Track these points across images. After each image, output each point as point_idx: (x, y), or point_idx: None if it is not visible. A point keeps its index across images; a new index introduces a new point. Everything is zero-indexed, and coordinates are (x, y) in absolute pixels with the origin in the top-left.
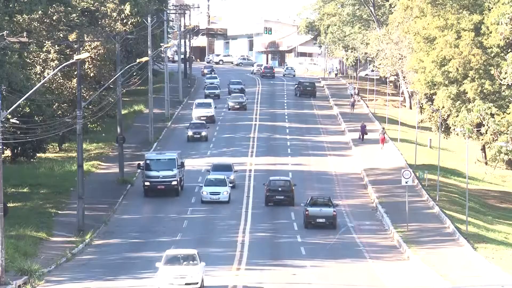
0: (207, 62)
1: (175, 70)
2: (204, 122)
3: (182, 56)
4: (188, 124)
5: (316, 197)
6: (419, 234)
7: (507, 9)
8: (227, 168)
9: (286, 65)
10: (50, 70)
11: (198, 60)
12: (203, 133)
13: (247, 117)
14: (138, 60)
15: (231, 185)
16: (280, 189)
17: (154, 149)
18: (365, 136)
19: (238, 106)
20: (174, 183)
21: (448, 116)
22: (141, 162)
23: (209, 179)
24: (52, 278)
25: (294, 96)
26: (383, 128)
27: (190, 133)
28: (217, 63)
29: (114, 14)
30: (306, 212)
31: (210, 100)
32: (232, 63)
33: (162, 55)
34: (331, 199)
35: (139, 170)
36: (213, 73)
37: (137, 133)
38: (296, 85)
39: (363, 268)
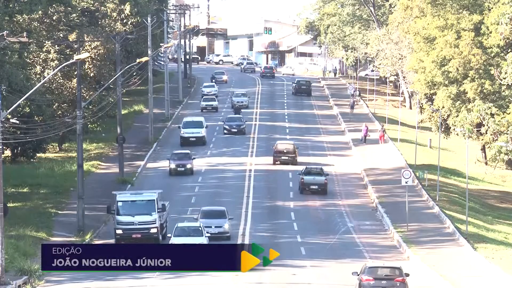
0: (207, 62)
1: (175, 70)
2: (188, 152)
3: (183, 56)
4: (170, 155)
5: (310, 167)
6: (419, 234)
7: (507, 9)
8: (219, 214)
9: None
10: (50, 70)
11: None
12: (188, 166)
13: (247, 116)
14: (138, 60)
15: (226, 235)
16: (285, 151)
17: (154, 150)
18: (367, 138)
19: (235, 130)
20: (153, 230)
21: (448, 116)
22: (114, 203)
23: (180, 227)
24: (52, 278)
25: (294, 96)
26: (383, 126)
27: (172, 165)
28: (217, 63)
29: (114, 14)
30: (302, 180)
31: (200, 118)
32: (232, 63)
33: (162, 56)
34: (323, 169)
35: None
36: (213, 80)
37: (137, 133)
38: (294, 84)
39: None
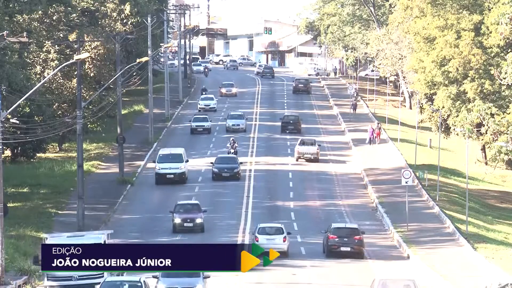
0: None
1: (175, 70)
2: (197, 202)
3: (183, 57)
4: (174, 207)
5: (304, 139)
6: (419, 234)
7: (507, 9)
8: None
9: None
10: (50, 70)
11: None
12: (198, 220)
13: (247, 116)
14: (138, 60)
15: None
16: (291, 121)
17: (154, 150)
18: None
19: (227, 175)
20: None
21: (448, 116)
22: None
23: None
24: None
25: (294, 96)
26: (379, 123)
27: (177, 220)
28: (217, 63)
29: (114, 14)
30: (297, 150)
31: (179, 151)
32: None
33: (162, 59)
34: (315, 140)
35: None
36: (204, 93)
37: (137, 133)
38: (293, 83)
39: (363, 268)
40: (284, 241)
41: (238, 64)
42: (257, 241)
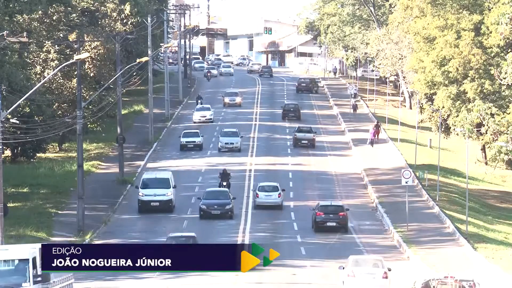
0: (207, 62)
1: (175, 70)
2: (194, 235)
3: (183, 56)
4: (166, 239)
5: (301, 126)
6: (419, 234)
7: (507, 9)
8: None
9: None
10: (50, 70)
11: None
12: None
13: (246, 116)
14: (138, 60)
15: None
16: (291, 109)
17: (154, 150)
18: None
19: (217, 212)
20: None
21: (448, 116)
22: None
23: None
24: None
25: (294, 96)
26: (378, 122)
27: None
28: None
29: (114, 14)
30: (295, 136)
31: (166, 175)
32: (232, 63)
33: (161, 58)
34: (312, 128)
35: None
36: (199, 101)
37: (137, 133)
38: (296, 83)
39: None
40: (279, 196)
41: (221, 62)
42: (258, 197)
